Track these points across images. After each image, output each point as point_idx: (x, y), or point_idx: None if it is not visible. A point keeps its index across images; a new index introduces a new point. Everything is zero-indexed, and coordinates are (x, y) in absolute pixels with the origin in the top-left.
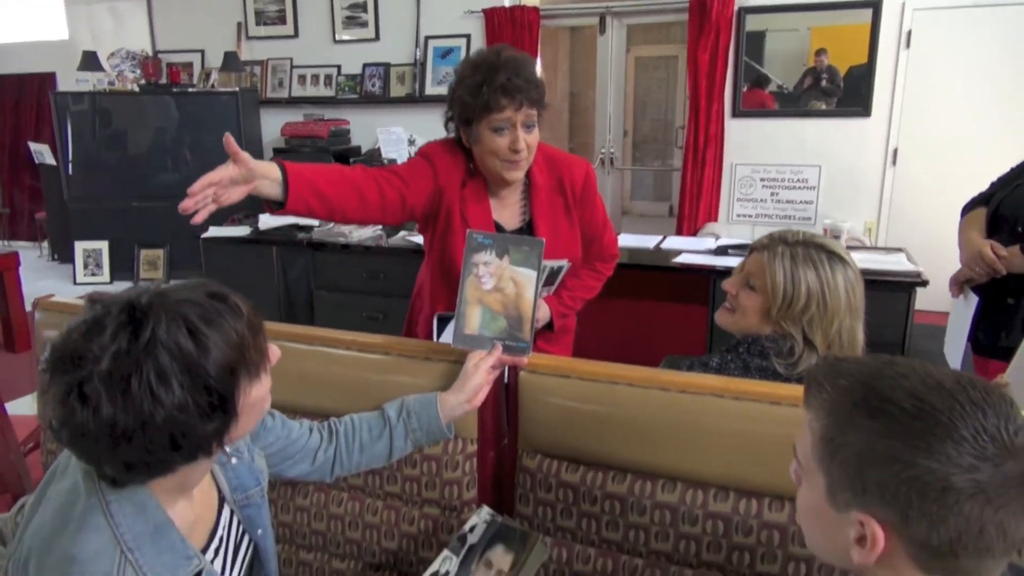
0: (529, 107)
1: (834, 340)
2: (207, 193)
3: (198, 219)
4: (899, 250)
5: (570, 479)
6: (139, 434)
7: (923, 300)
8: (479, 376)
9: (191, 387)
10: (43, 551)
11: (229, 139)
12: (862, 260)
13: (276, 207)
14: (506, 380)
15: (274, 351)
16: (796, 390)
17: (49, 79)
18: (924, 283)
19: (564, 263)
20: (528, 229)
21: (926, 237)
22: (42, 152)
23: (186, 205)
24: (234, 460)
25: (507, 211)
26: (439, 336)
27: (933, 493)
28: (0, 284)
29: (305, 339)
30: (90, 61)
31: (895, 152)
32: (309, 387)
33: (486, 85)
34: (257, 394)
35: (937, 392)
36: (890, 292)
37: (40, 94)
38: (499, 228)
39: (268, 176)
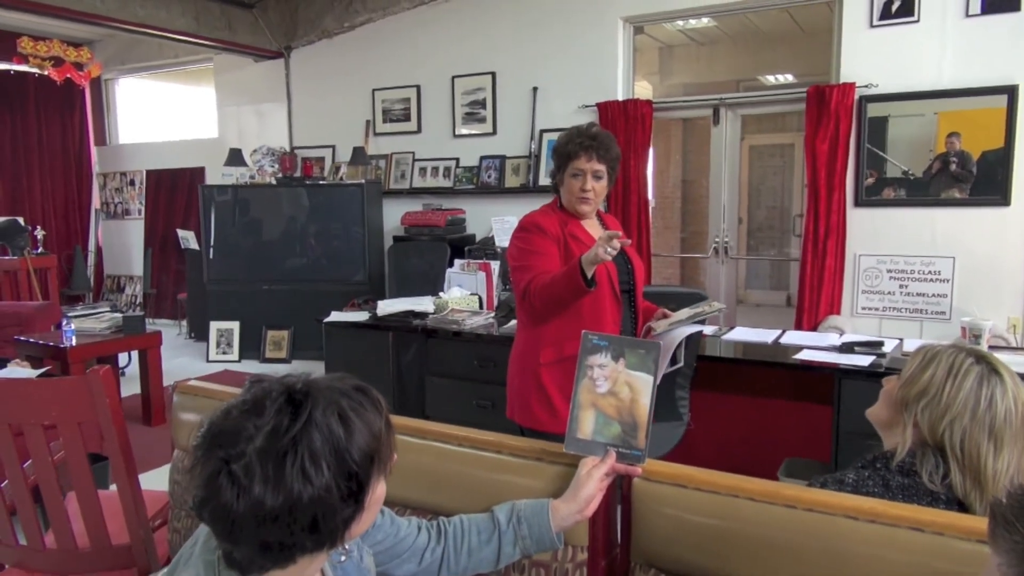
0: (598, 162)
1: (948, 444)
2: None
3: None
4: None
5: None
6: (285, 513)
7: None
8: (591, 485)
9: (337, 470)
10: None
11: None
12: (1009, 362)
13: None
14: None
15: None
16: (941, 516)
17: (199, 173)
18: None
19: (721, 305)
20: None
21: None
22: (188, 238)
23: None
24: (344, 559)
25: (593, 231)
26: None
27: None
28: (143, 361)
29: (418, 433)
30: (235, 157)
31: None
32: (419, 481)
33: (570, 143)
34: (380, 492)
35: None
36: None
37: (191, 186)
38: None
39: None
